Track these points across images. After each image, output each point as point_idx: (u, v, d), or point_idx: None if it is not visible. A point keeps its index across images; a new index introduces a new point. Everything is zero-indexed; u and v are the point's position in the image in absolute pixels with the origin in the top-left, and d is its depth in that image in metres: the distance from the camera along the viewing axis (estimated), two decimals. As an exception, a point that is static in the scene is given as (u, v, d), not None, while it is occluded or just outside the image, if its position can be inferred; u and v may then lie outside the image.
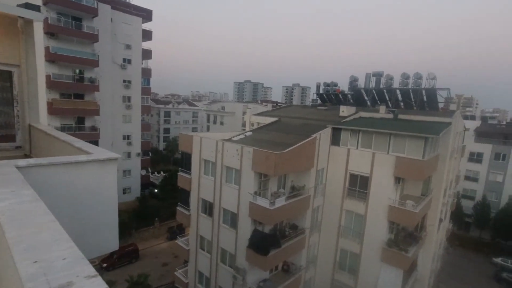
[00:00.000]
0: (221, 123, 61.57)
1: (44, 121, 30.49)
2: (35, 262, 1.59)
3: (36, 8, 5.82)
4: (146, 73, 44.96)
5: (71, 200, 3.75)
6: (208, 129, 64.97)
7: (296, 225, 20.89)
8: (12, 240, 1.79)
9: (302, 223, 20.97)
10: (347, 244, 21.84)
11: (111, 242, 4.35)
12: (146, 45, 43.89)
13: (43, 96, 31.88)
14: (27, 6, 5.68)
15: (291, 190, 20.08)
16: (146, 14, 42.86)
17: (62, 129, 32.19)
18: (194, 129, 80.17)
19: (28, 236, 1.87)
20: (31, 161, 3.62)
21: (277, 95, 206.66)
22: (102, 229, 4.18)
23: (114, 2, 38.81)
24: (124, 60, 40.83)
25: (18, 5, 5.67)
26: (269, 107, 38.50)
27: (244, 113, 52.79)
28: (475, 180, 45.46)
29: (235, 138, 21.66)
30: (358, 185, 20.89)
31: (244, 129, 30.91)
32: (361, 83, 32.21)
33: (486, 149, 44.37)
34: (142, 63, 44.04)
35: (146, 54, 44.19)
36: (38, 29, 30.87)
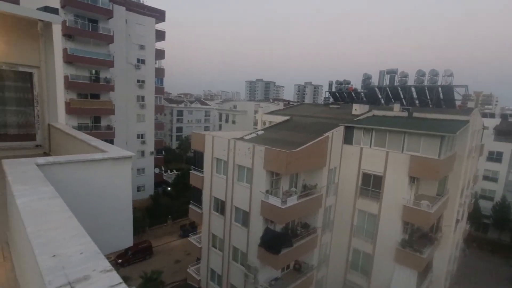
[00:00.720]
0: (233, 122, 61.83)
1: (62, 120, 31.37)
2: (54, 256, 1.66)
3: (54, 11, 5.99)
4: (160, 73, 45.58)
5: (87, 197, 3.87)
6: (220, 128, 65.39)
7: (308, 224, 20.78)
8: (33, 235, 1.88)
9: (314, 222, 20.84)
10: (359, 244, 21.57)
11: (126, 239, 4.46)
12: (159, 45, 44.51)
13: (61, 96, 32.83)
14: (47, 9, 5.86)
15: (303, 189, 19.97)
16: (159, 15, 43.43)
17: (79, 128, 33.09)
18: (206, 128, 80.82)
19: (47, 231, 1.95)
20: (50, 159, 3.75)
21: (289, 94, 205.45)
22: (117, 226, 4.29)
23: (129, 4, 39.50)
24: (138, 60, 41.53)
25: (37, 9, 5.86)
26: (281, 105, 38.34)
27: (256, 112, 52.77)
28: (494, 180, 43.91)
29: (247, 137, 21.71)
30: (371, 185, 20.56)
31: (256, 128, 30.93)
32: (374, 81, 31.66)
33: (506, 148, 42.77)
34: (156, 63, 44.64)
35: (159, 54, 44.79)
36: (57, 31, 31.80)
